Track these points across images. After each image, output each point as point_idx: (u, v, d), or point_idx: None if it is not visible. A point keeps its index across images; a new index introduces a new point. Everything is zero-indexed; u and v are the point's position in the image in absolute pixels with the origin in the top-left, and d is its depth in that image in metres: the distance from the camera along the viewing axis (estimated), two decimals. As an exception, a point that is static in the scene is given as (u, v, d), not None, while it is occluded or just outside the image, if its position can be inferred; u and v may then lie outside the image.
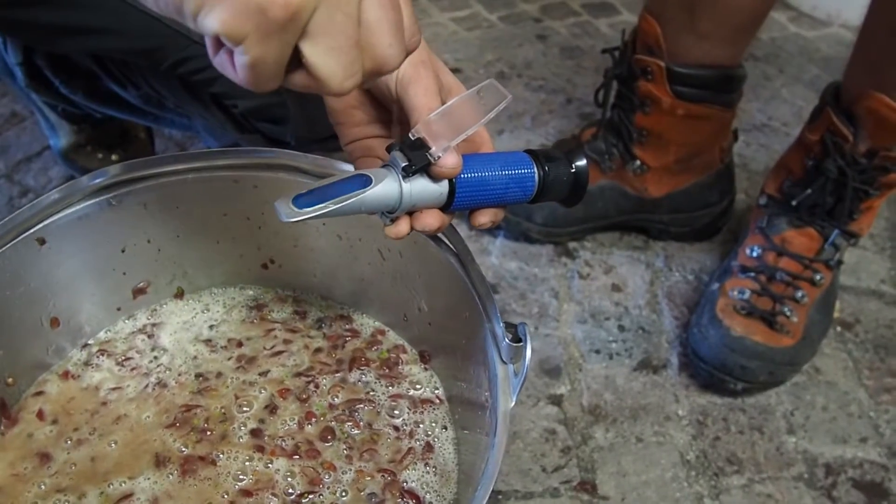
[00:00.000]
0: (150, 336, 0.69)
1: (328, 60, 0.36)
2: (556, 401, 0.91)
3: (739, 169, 1.21)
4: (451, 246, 0.58)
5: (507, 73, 1.43)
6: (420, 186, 0.46)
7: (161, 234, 0.68)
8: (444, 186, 0.47)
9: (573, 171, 0.52)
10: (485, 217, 0.51)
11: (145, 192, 0.64)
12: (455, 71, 1.41)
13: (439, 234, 0.59)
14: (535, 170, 0.50)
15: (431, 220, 0.48)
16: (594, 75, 1.40)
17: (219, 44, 0.35)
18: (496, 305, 0.53)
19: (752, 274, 0.94)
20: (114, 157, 1.16)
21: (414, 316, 0.67)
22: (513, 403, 0.50)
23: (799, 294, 0.92)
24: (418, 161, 0.45)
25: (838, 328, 1.01)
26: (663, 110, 0.98)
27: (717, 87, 0.96)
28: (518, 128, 1.31)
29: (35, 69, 0.97)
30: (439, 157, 0.45)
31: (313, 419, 0.62)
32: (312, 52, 0.35)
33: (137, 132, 1.18)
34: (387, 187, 0.46)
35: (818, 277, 0.94)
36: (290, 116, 0.75)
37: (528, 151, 0.52)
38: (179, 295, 0.72)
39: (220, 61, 0.36)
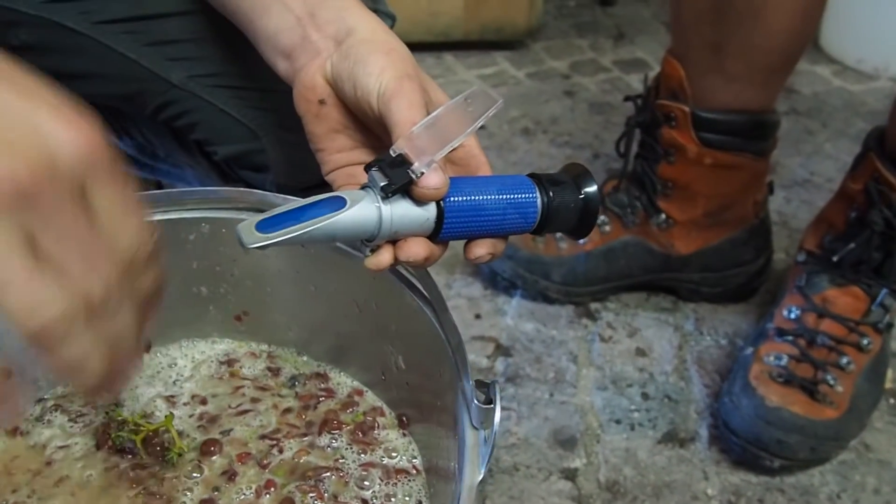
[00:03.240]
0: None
1: None
2: (570, 475, 0.82)
3: (779, 226, 1.13)
4: (424, 293, 0.52)
5: (532, 128, 1.38)
6: (402, 210, 0.40)
7: (126, 280, 0.63)
8: (430, 211, 0.41)
9: (582, 197, 0.45)
10: (481, 249, 0.44)
11: (108, 235, 0.59)
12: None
13: (414, 281, 0.53)
14: (538, 195, 0.44)
15: (417, 248, 0.42)
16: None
17: None
18: (468, 360, 0.46)
19: (791, 337, 0.85)
20: (122, 210, 1.13)
21: (392, 375, 0.60)
22: (481, 476, 0.42)
23: (844, 360, 0.83)
24: (398, 179, 0.39)
25: (891, 400, 0.91)
26: (689, 159, 0.91)
27: (748, 133, 0.89)
28: (541, 183, 1.25)
29: (38, 119, 0.96)
30: (422, 174, 0.39)
31: (273, 488, 0.55)
32: None
33: (147, 185, 1.16)
34: (363, 210, 0.39)
35: (865, 342, 0.84)
36: (270, 163, 0.70)
37: (531, 175, 0.45)
38: (146, 348, 0.66)
39: None
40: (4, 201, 0.31)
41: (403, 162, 0.40)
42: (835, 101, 1.48)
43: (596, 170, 1.28)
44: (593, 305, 1.03)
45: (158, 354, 0.66)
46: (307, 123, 0.49)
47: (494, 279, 1.04)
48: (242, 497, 0.55)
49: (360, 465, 0.57)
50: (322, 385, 0.63)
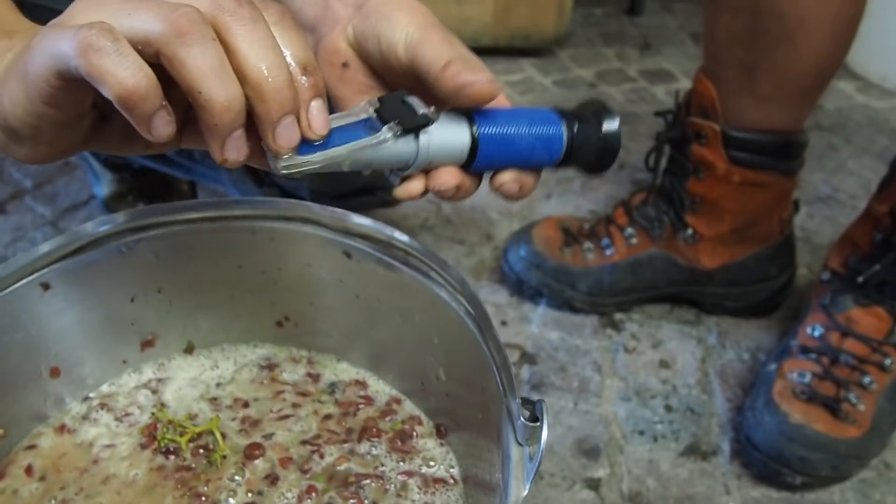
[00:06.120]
0: (153, 391, 0.65)
1: None
2: (594, 485, 0.83)
3: (802, 242, 1.14)
4: (469, 309, 0.53)
5: (559, 136, 1.39)
6: (439, 138, 0.41)
7: (173, 284, 0.64)
8: (465, 140, 0.42)
9: (602, 136, 0.45)
10: (507, 175, 0.45)
11: (157, 241, 0.61)
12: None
13: (458, 296, 0.54)
14: (564, 131, 0.44)
15: (449, 177, 0.43)
16: (648, 142, 1.34)
17: None
18: (514, 378, 0.48)
19: (814, 355, 0.87)
20: (154, 208, 1.15)
21: (432, 385, 0.61)
22: (526, 492, 0.44)
23: (866, 380, 0.84)
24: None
25: (911, 420, 0.92)
26: (718, 177, 0.92)
27: (777, 153, 0.90)
28: (566, 192, 1.26)
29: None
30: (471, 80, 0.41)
31: (314, 493, 0.57)
32: None
33: (180, 184, 1.18)
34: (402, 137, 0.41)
35: (888, 362, 0.85)
36: None
37: (557, 110, 0.46)
38: (189, 350, 0.68)
39: None
40: None
41: None
42: (858, 118, 1.48)
43: (621, 180, 1.29)
44: (617, 316, 1.04)
45: (201, 356, 0.68)
46: (332, 88, 0.49)
47: (520, 287, 1.06)
48: (285, 501, 0.56)
49: (399, 473, 0.59)
50: (361, 392, 0.65)
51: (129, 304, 0.64)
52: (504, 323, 1.02)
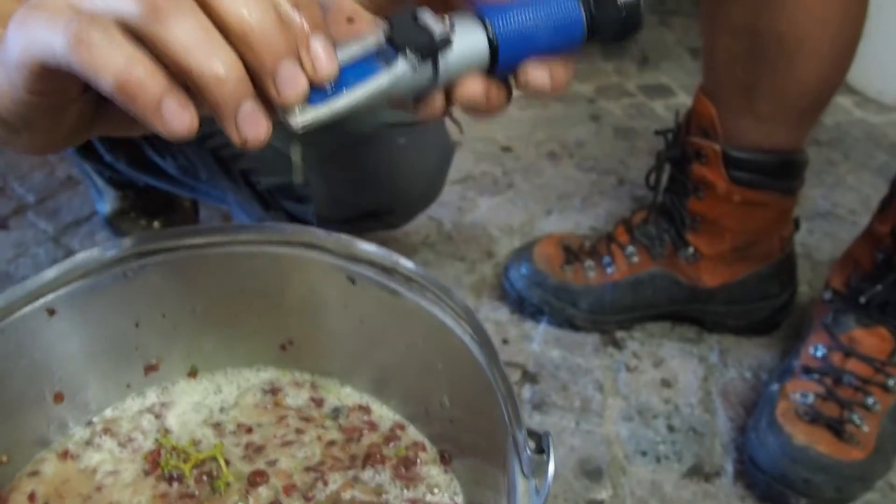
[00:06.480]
0: (157, 416, 0.65)
1: None
2: (596, 506, 0.83)
3: (802, 259, 1.14)
4: (474, 336, 0.53)
5: (559, 152, 1.40)
6: (457, 52, 0.38)
7: (177, 309, 0.64)
8: (483, 46, 0.39)
9: (623, 16, 0.43)
10: (532, 70, 0.41)
11: (162, 266, 0.61)
12: (505, 149, 1.38)
13: (462, 322, 0.54)
14: (582, 11, 0.42)
15: (474, 85, 0.40)
16: (648, 157, 1.35)
17: None
18: (520, 408, 0.48)
19: (817, 376, 0.87)
20: (156, 225, 1.16)
21: (435, 411, 0.61)
22: (532, 524, 0.44)
23: (870, 401, 0.84)
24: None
25: (914, 439, 0.91)
26: (718, 196, 0.93)
27: (777, 172, 0.90)
28: (567, 208, 1.26)
29: (82, 136, 0.98)
30: None
31: (319, 521, 0.57)
32: None
33: (182, 201, 1.18)
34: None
35: (891, 383, 0.85)
36: (312, 195, 0.72)
37: None
38: (193, 374, 0.68)
39: None
40: None
41: None
42: (856, 133, 1.49)
43: (620, 196, 1.29)
44: (619, 334, 1.04)
45: (204, 380, 0.68)
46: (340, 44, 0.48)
47: (521, 305, 1.06)
48: (290, 529, 0.56)
49: (403, 501, 0.58)
50: (365, 417, 0.65)
51: (133, 328, 0.64)
52: (505, 341, 1.02)
